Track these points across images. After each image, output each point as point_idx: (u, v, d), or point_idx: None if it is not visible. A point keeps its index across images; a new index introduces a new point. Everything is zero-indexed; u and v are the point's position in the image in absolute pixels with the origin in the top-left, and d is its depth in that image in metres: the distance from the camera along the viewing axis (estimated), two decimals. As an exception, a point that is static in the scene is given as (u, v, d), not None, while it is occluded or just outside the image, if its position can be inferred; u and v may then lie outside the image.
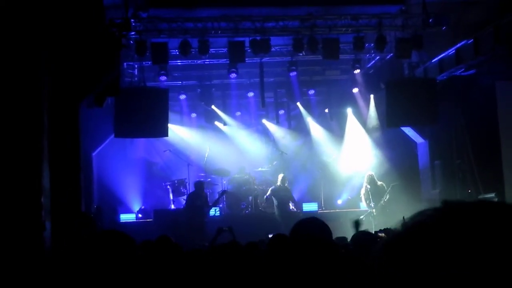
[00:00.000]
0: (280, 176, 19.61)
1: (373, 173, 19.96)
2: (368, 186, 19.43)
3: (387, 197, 19.34)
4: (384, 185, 19.81)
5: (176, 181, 22.06)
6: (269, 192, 19.88)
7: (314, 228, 4.61)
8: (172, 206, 21.73)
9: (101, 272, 3.68)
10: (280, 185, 19.37)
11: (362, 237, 7.23)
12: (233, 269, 4.83)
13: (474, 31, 16.59)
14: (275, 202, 19.38)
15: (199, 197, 18.77)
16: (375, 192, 19.36)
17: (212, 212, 20.35)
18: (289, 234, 4.70)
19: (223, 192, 20.03)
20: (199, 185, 19.14)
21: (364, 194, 19.59)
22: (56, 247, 7.82)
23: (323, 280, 4.22)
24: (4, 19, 8.28)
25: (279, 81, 23.64)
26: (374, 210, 18.90)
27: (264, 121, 25.68)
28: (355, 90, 22.91)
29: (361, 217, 19.23)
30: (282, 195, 19.11)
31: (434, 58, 18.93)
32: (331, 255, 4.43)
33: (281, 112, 25.77)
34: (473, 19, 16.89)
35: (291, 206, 20.03)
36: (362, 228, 8.89)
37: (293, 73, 21.02)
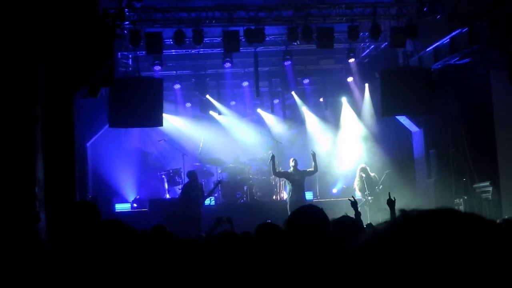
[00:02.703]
0: (292, 160, 19.23)
1: (365, 165, 20.00)
2: (363, 175, 19.46)
3: (381, 186, 19.37)
4: (376, 176, 19.86)
5: (171, 171, 22.05)
6: (282, 171, 19.58)
7: (312, 215, 4.61)
8: (167, 196, 21.73)
9: (100, 263, 3.68)
10: (292, 170, 19.07)
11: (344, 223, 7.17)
12: (228, 258, 4.83)
13: (469, 20, 16.58)
14: (288, 187, 19.13)
15: (194, 187, 18.63)
16: (369, 181, 19.40)
17: (207, 201, 20.31)
18: (287, 221, 4.71)
19: (218, 182, 19.90)
20: (192, 175, 18.91)
21: (358, 184, 19.61)
22: (51, 238, 7.81)
23: (320, 267, 4.22)
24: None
25: (273, 71, 23.62)
26: (370, 198, 18.95)
27: (259, 110, 25.67)
28: (350, 79, 22.93)
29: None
30: (297, 179, 18.85)
31: (429, 47, 18.92)
32: (328, 242, 4.43)
33: (276, 101, 25.75)
34: (468, 8, 16.86)
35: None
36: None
37: (287, 63, 21.02)
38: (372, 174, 19.80)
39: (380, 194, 18.90)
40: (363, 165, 20.00)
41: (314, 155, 18.89)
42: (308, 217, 4.64)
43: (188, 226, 17.50)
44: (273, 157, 19.04)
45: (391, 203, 9.78)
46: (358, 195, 20.25)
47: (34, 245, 7.65)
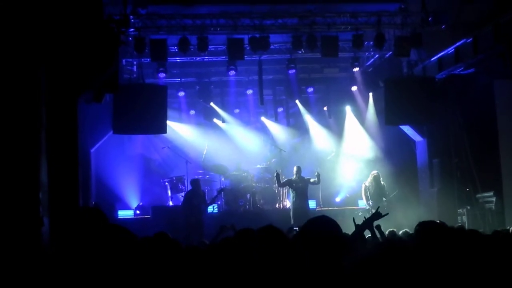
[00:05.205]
0: (295, 168, 19.30)
1: (378, 172, 19.75)
2: (369, 185, 19.33)
3: (385, 203, 19.07)
4: (385, 186, 19.65)
5: (174, 178, 22.04)
6: (285, 180, 19.61)
7: (325, 225, 4.63)
8: (170, 203, 21.71)
9: (101, 268, 3.68)
10: (296, 177, 19.13)
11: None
12: (230, 265, 4.83)
13: (473, 29, 16.58)
14: (291, 195, 19.19)
15: (196, 195, 18.75)
16: (376, 191, 19.24)
17: (210, 209, 20.30)
18: (299, 232, 4.74)
19: (221, 189, 20.01)
20: (195, 183, 19.10)
21: (364, 191, 19.46)
22: (54, 243, 7.82)
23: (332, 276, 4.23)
24: (1, 15, 8.26)
25: (278, 79, 23.61)
26: (372, 210, 18.87)
27: (263, 118, 25.67)
28: (354, 88, 22.86)
29: (360, 213, 19.15)
30: (300, 186, 18.91)
31: (433, 56, 18.91)
32: (342, 252, 4.45)
33: (280, 109, 25.76)
34: (472, 18, 16.87)
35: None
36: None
37: (292, 71, 20.99)
38: (382, 183, 19.58)
39: (387, 206, 18.75)
40: (375, 173, 19.72)
41: (318, 175, 19.08)
42: (321, 227, 4.66)
43: (190, 233, 17.52)
44: (278, 175, 19.16)
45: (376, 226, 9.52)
46: (361, 203, 20.23)
47: (38, 249, 7.65)
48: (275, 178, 19.39)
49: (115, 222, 18.83)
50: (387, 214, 8.43)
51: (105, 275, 3.75)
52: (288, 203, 20.70)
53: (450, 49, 17.92)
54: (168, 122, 20.15)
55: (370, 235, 8.54)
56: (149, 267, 4.36)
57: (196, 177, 20.43)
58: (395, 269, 3.17)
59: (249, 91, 23.99)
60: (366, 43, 19.14)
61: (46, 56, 9.22)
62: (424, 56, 19.42)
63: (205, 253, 5.83)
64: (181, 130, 24.62)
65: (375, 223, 8.28)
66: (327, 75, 23.98)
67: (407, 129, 21.06)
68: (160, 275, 5.23)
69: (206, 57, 20.50)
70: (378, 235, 8.89)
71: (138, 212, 21.86)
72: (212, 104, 24.13)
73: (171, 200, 21.78)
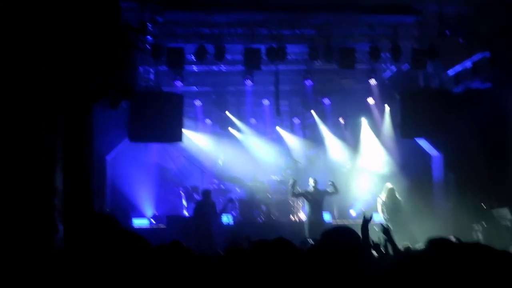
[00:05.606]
0: (312, 180, 19.15)
1: (393, 187, 19.55)
2: (385, 200, 19.15)
3: (402, 217, 18.89)
4: (401, 200, 19.48)
5: (189, 187, 22.06)
6: (301, 191, 19.49)
7: (345, 237, 4.62)
8: (185, 213, 21.72)
9: (114, 275, 3.68)
10: (312, 189, 18.99)
11: None
12: (244, 276, 4.82)
13: (490, 42, 16.50)
14: (306, 207, 19.08)
15: (205, 204, 18.82)
16: (390, 205, 19.08)
17: (225, 220, 20.31)
18: (318, 243, 4.72)
19: (230, 200, 20.01)
20: (205, 193, 19.23)
21: (381, 205, 19.30)
22: (68, 250, 7.83)
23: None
24: (16, 21, 8.29)
25: (294, 89, 23.54)
26: (389, 224, 18.74)
27: (279, 129, 25.64)
28: (370, 100, 22.78)
29: (376, 229, 18.91)
30: (317, 198, 18.80)
31: (450, 69, 18.84)
32: (362, 264, 4.44)
33: (296, 120, 25.72)
34: (489, 30, 16.78)
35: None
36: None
37: (308, 82, 20.94)
38: (398, 198, 19.36)
39: (403, 221, 18.58)
40: (390, 186, 19.50)
41: (333, 184, 18.98)
42: (341, 239, 4.65)
43: (200, 242, 17.51)
44: (294, 183, 19.11)
45: (386, 232, 9.54)
46: (377, 217, 20.12)
47: (52, 255, 7.67)
48: (291, 186, 19.27)
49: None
50: (371, 215, 8.56)
51: (118, 282, 3.75)
52: (302, 216, 20.64)
53: (467, 62, 17.85)
54: (184, 131, 20.13)
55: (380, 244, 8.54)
56: (163, 274, 4.35)
57: (207, 188, 20.46)
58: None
59: (265, 101, 23.99)
60: (382, 55, 19.07)
61: (61, 61, 9.26)
62: (441, 69, 19.34)
63: (218, 262, 5.83)
64: (196, 139, 24.64)
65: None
66: (344, 87, 23.92)
67: (423, 143, 20.97)
68: (173, 283, 5.23)
69: (223, 66, 20.51)
70: (386, 245, 8.89)
71: (153, 221, 21.85)
72: (228, 113, 24.14)
73: (186, 210, 21.81)
